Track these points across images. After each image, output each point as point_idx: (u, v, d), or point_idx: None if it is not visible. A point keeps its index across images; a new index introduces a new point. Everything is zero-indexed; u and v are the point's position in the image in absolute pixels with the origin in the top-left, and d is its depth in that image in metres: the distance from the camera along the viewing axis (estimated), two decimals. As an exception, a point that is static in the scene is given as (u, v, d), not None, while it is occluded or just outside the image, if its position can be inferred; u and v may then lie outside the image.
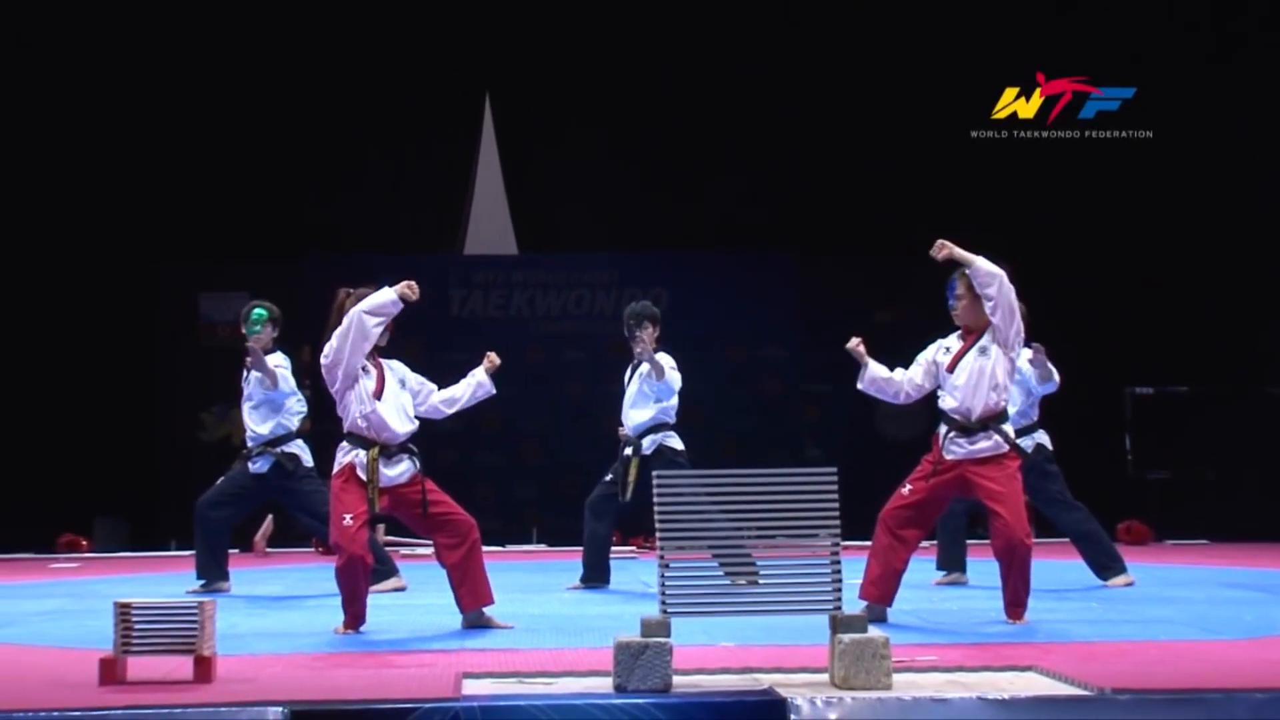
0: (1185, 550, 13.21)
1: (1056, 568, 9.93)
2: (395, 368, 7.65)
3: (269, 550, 13.38)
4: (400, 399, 7.52)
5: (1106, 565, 9.63)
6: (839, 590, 5.72)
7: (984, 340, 7.51)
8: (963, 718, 5.18)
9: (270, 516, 13.23)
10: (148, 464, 14.84)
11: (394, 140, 15.41)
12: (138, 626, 5.81)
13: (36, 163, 14.65)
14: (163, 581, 10.65)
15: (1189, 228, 14.78)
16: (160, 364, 15.05)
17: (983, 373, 7.48)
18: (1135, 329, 14.73)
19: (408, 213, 15.56)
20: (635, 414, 9.78)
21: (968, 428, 7.44)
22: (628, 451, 9.71)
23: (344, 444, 7.46)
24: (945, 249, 7.34)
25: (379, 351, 7.61)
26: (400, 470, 7.44)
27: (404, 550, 12.47)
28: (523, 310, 15.44)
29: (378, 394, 7.45)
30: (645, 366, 9.69)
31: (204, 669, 5.78)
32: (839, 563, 5.76)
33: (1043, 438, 9.68)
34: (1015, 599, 7.42)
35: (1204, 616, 7.89)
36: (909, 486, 7.55)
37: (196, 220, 14.98)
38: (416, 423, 7.56)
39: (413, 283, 7.44)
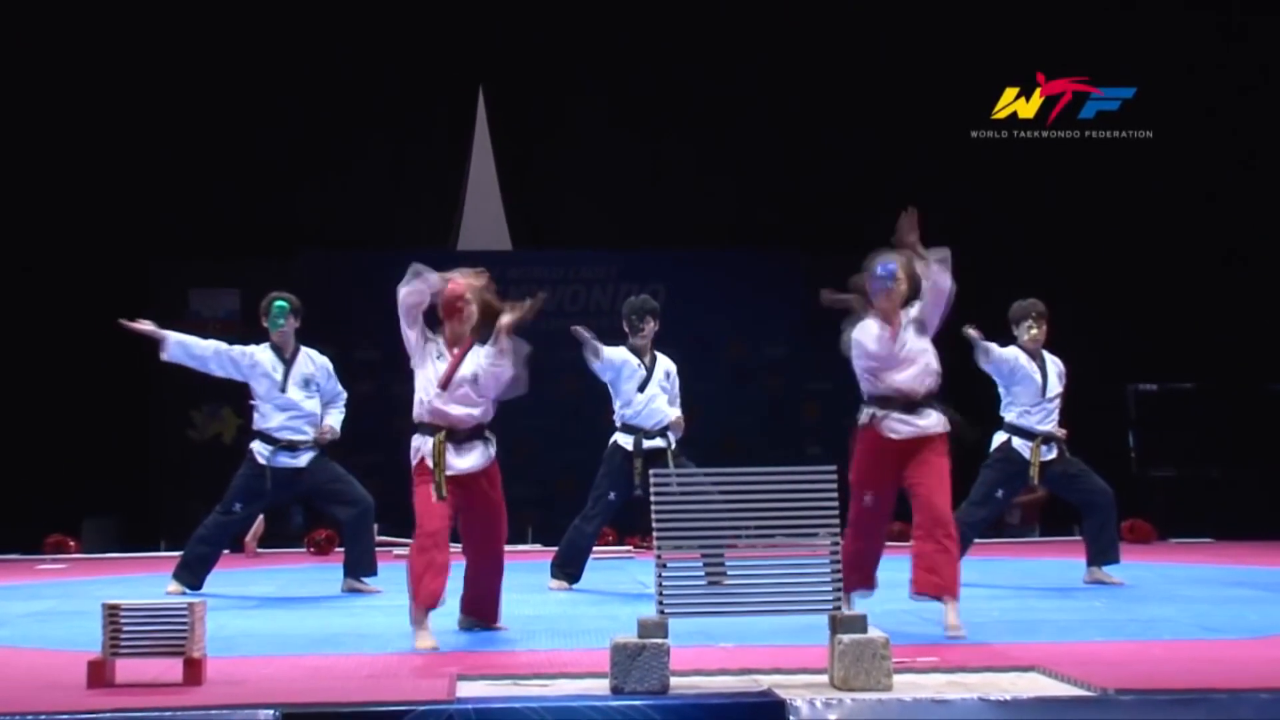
0: (1189, 549, 13.22)
1: (1059, 566, 9.95)
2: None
3: (260, 550, 13.37)
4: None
5: (1104, 551, 9.69)
6: (839, 590, 5.72)
7: (913, 318, 7.41)
8: (964, 719, 5.18)
9: (261, 516, 13.22)
10: (137, 463, 14.81)
11: (386, 135, 15.39)
12: (126, 628, 5.81)
13: (25, 158, 14.63)
14: (152, 582, 10.62)
15: (1191, 225, 14.81)
16: (150, 362, 15.02)
17: (929, 354, 7.41)
18: (1138, 325, 14.74)
19: (400, 208, 15.54)
20: (667, 411, 9.82)
21: (914, 404, 7.37)
22: (659, 443, 9.73)
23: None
24: (910, 237, 7.24)
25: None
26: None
27: (397, 551, 12.46)
28: (518, 306, 15.41)
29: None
30: (668, 367, 9.82)
31: (194, 671, 5.78)
32: (839, 562, 5.77)
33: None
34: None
35: (1208, 616, 7.90)
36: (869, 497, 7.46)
37: (187, 216, 14.96)
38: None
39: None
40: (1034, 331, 9.76)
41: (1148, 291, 14.84)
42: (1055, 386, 9.79)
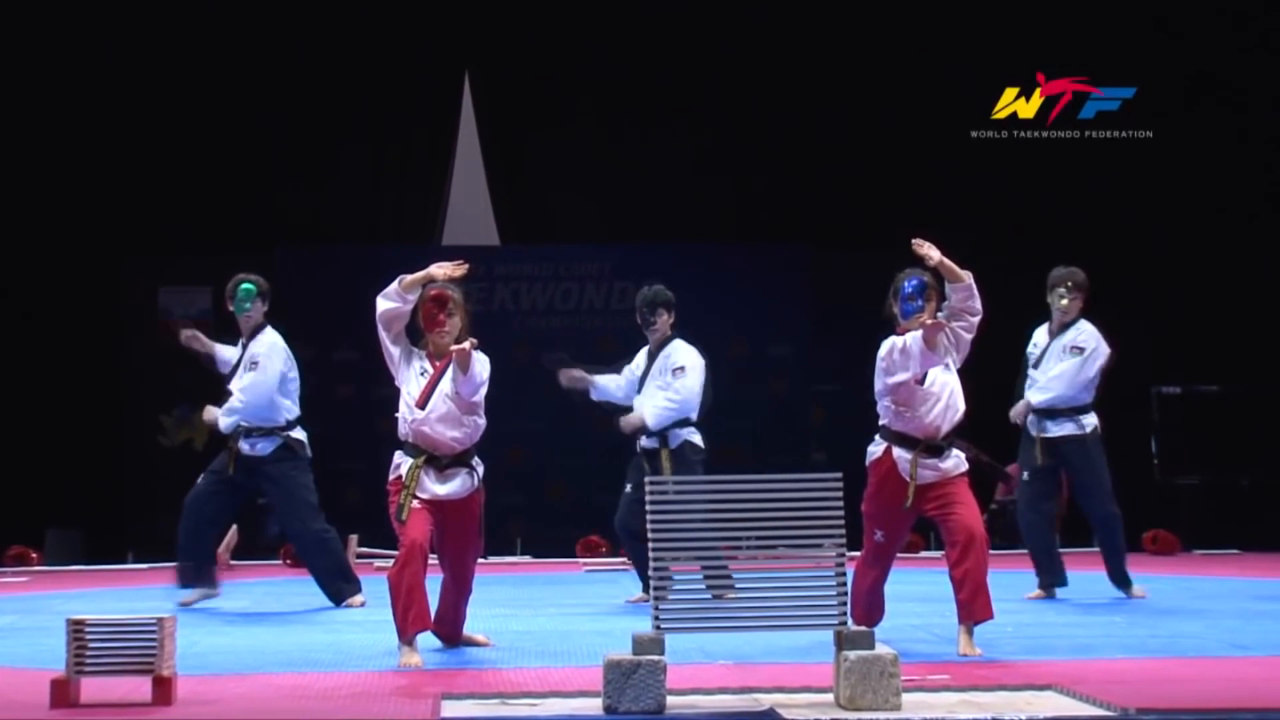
0: (1215, 561, 13.23)
1: (1078, 579, 9.95)
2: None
3: (233, 562, 13.36)
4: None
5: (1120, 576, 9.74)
6: (844, 604, 5.73)
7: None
8: (977, 740, 5.20)
9: (235, 526, 13.23)
10: (104, 471, 14.78)
11: (366, 125, 15.37)
12: (92, 645, 5.81)
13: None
14: (119, 596, 10.63)
15: (1210, 224, 14.91)
16: (118, 364, 15.03)
17: (953, 388, 7.39)
18: (1161, 325, 14.78)
19: (381, 202, 15.52)
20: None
21: (936, 446, 7.32)
22: (653, 443, 9.69)
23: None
24: (935, 256, 7.15)
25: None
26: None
27: (378, 563, 12.47)
28: (506, 304, 15.41)
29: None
30: (667, 355, 9.74)
31: (163, 690, 5.77)
32: (844, 574, 5.77)
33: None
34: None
35: (1236, 632, 7.91)
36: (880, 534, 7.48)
37: (159, 211, 14.94)
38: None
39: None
40: (1064, 301, 9.69)
41: (1168, 291, 14.88)
42: (1056, 359, 9.67)
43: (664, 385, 9.74)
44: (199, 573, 9.68)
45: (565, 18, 15.31)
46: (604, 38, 15.38)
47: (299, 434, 9.65)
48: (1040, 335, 9.90)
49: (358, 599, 9.61)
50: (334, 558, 9.75)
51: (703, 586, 5.95)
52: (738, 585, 6.02)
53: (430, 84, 15.46)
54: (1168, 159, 14.51)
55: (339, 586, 9.66)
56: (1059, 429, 9.74)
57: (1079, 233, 14.90)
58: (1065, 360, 9.74)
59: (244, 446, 9.57)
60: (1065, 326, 9.79)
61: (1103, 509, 9.78)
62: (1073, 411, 9.74)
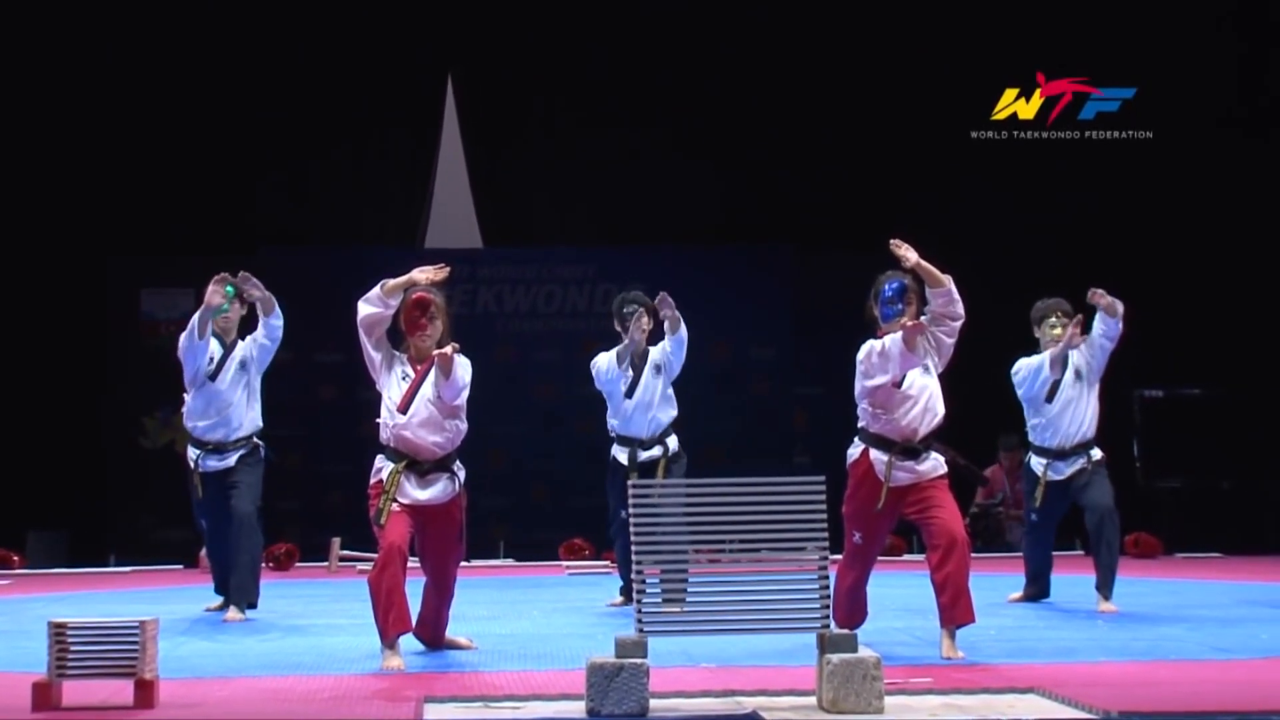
0: (1197, 564, 13.27)
1: (1061, 582, 9.97)
2: None
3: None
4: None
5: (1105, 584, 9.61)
6: (827, 607, 5.73)
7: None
8: (959, 743, 5.20)
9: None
10: (86, 473, 14.76)
11: (350, 127, 15.36)
12: (74, 648, 5.80)
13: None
14: (101, 600, 10.61)
15: (1195, 225, 14.93)
16: (100, 366, 14.99)
17: (932, 391, 7.39)
18: (1143, 328, 14.80)
19: (365, 204, 15.52)
20: (661, 415, 9.67)
21: (913, 449, 7.33)
22: (654, 454, 9.62)
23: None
24: (912, 258, 7.18)
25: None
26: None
27: (360, 566, 12.46)
28: (490, 307, 15.42)
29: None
30: (657, 354, 9.65)
31: (145, 694, 5.77)
32: (827, 577, 5.78)
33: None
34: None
35: (1217, 635, 7.93)
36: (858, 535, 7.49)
37: (141, 212, 14.93)
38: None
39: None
40: (1057, 332, 9.49)
41: (1153, 293, 14.89)
42: (1069, 390, 9.49)
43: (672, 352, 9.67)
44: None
45: (549, 21, 15.32)
46: (588, 41, 15.38)
47: (259, 440, 9.57)
48: (1041, 368, 9.56)
49: (241, 615, 9.14)
50: (259, 555, 9.50)
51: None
52: (723, 588, 6.01)
53: (413, 86, 15.46)
54: (1165, 159, 14.53)
55: (246, 583, 9.28)
56: (1070, 468, 9.48)
57: (1072, 233, 14.93)
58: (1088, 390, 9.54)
59: (212, 462, 9.44)
60: (1063, 358, 9.52)
61: (1103, 505, 9.43)
62: (1082, 448, 9.50)
